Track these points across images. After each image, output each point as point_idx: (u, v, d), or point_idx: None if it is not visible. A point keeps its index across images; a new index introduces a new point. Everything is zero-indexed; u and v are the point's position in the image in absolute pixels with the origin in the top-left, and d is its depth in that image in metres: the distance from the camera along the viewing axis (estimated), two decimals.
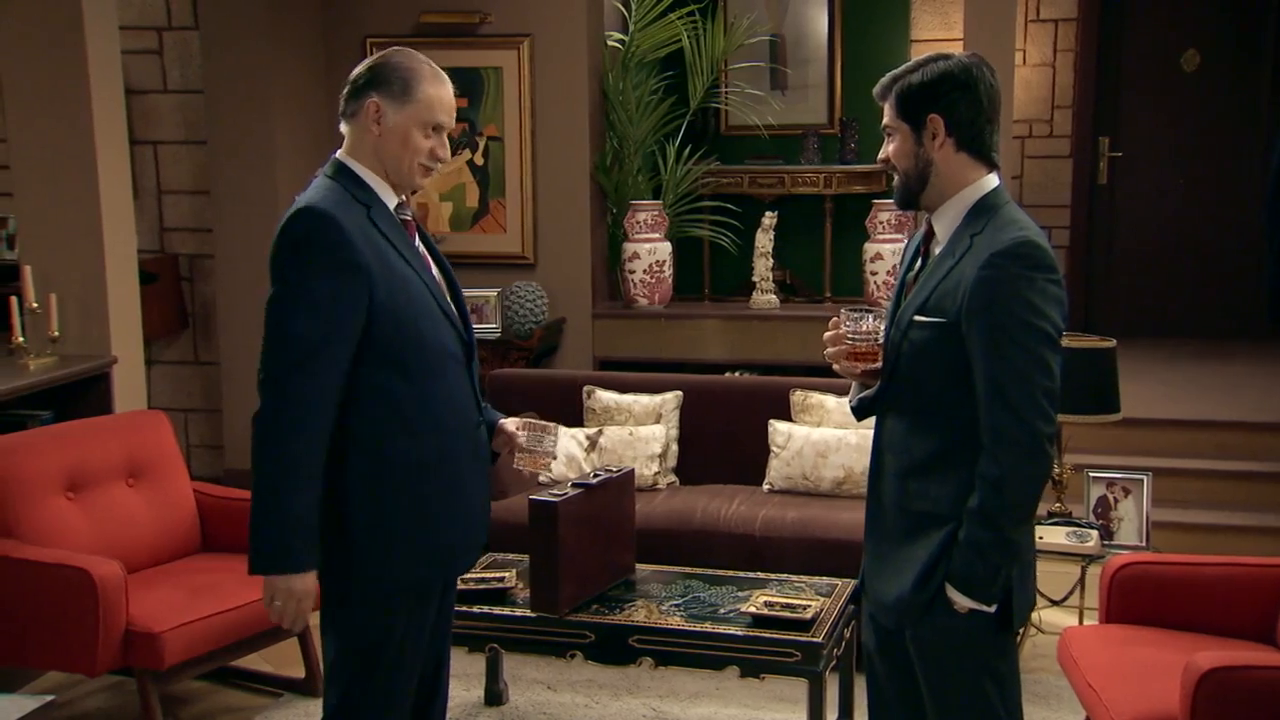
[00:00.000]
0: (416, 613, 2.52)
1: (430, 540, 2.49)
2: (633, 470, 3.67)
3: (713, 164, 6.43)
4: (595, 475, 3.48)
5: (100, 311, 4.53)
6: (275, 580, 2.35)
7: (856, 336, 2.35)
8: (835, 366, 2.42)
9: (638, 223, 5.80)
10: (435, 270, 2.57)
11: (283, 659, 4.12)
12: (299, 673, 4.00)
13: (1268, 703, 2.58)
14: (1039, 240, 2.21)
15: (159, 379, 6.24)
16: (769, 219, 5.82)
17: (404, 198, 2.55)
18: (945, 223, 2.33)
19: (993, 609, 2.24)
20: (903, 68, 2.35)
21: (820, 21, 7.25)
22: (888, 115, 2.35)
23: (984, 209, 2.28)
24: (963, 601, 2.23)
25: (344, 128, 2.53)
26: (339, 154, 2.53)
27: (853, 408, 2.51)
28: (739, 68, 6.75)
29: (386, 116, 2.46)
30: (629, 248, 5.82)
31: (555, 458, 2.71)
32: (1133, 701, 2.88)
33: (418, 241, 2.55)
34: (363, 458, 2.42)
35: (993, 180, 2.32)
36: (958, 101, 2.27)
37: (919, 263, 2.39)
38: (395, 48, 2.56)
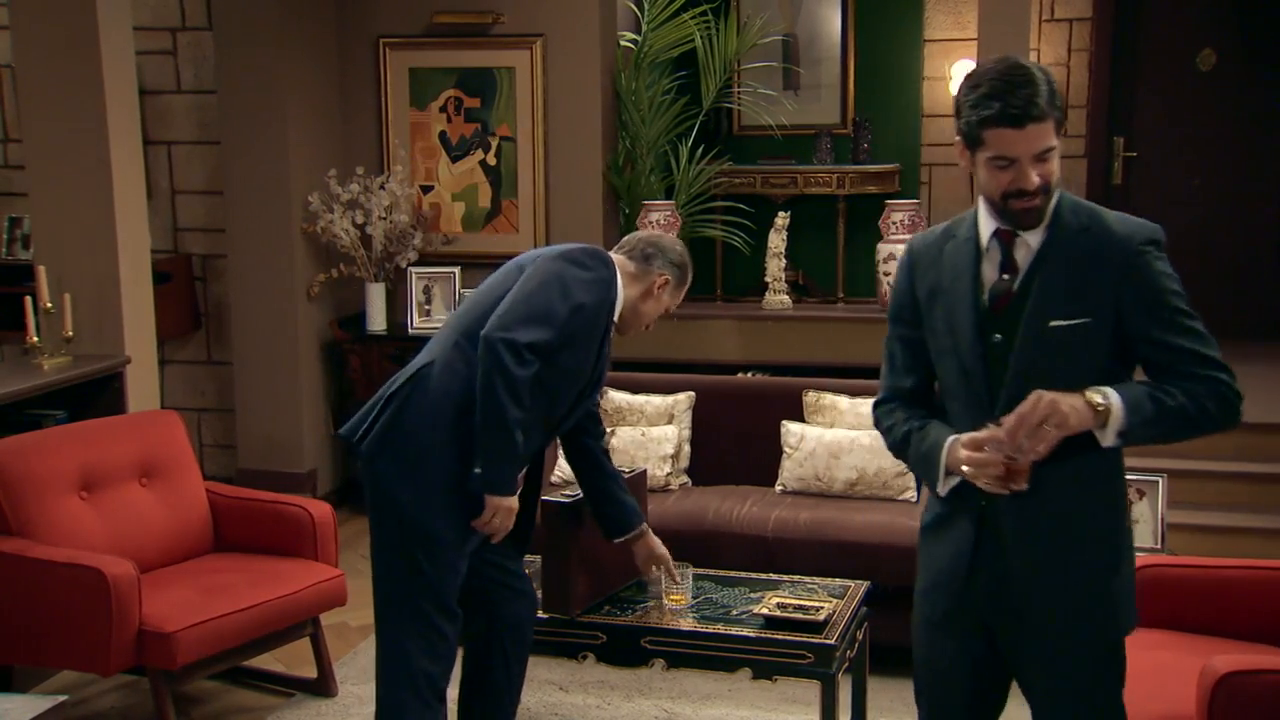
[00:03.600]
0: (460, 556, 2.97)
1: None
2: (645, 470, 3.67)
3: (725, 164, 6.42)
4: None
5: (114, 311, 4.54)
6: (498, 500, 2.89)
7: (1019, 453, 2.18)
8: (979, 482, 2.21)
9: (650, 223, 5.78)
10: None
11: (295, 659, 4.13)
12: (311, 673, 4.00)
13: None
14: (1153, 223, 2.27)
15: (172, 379, 6.26)
16: (781, 219, 5.81)
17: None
18: (1038, 227, 2.25)
19: (1104, 434, 2.17)
20: (1034, 78, 2.15)
21: (833, 21, 7.24)
22: (1049, 135, 2.16)
23: (1071, 207, 2.26)
24: (1116, 416, 2.14)
25: (625, 261, 3.11)
26: (616, 259, 3.10)
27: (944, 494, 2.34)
28: (752, 67, 6.74)
29: (665, 294, 3.14)
30: None
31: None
32: (1148, 705, 2.85)
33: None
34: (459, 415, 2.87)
35: None
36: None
37: (1000, 274, 2.26)
38: (680, 243, 3.21)
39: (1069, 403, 2.13)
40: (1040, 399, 2.13)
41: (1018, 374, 2.23)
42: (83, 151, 4.49)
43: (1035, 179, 2.17)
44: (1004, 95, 2.13)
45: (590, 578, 3.34)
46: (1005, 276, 2.27)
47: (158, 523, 3.92)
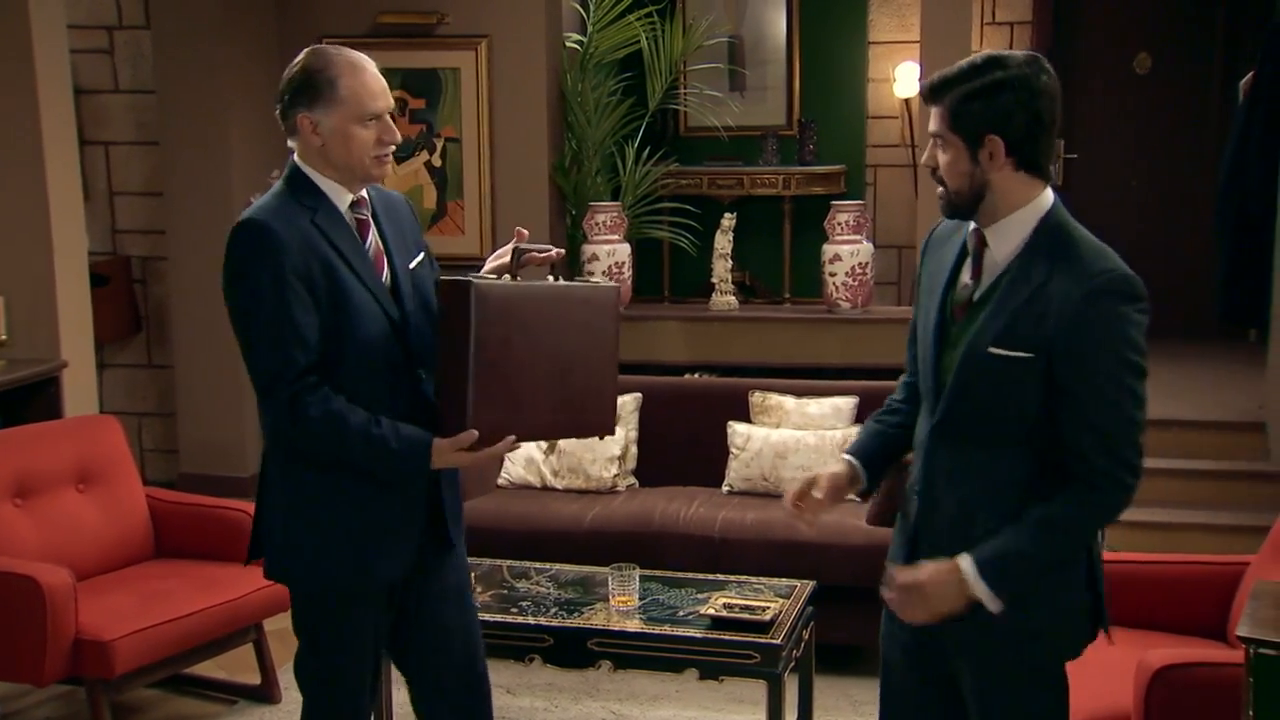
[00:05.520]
0: (354, 613, 2.59)
1: (346, 549, 2.48)
2: (617, 289, 2.69)
3: (672, 165, 6.43)
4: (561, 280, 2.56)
5: (49, 315, 4.47)
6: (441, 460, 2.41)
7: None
8: (790, 505, 2.36)
9: (597, 224, 5.79)
10: (387, 272, 2.51)
11: (237, 666, 4.07)
12: (254, 679, 3.95)
13: (1219, 699, 2.60)
14: (1129, 271, 2.07)
15: (112, 383, 6.16)
16: (728, 220, 5.83)
17: (361, 195, 2.51)
18: (1004, 242, 2.14)
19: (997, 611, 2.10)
20: (956, 70, 2.11)
21: (779, 23, 7.28)
22: (937, 122, 2.12)
23: (1052, 230, 2.12)
24: (976, 586, 2.08)
25: (290, 141, 2.50)
26: (294, 157, 2.50)
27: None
28: (698, 69, 6.75)
29: (321, 125, 2.42)
30: (588, 249, 5.80)
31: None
32: (1087, 700, 2.88)
33: (371, 241, 2.51)
34: (291, 463, 2.48)
35: (1049, 196, 2.15)
36: (1019, 119, 2.07)
37: (968, 279, 2.19)
38: (308, 49, 2.47)
39: (937, 591, 2.10)
40: (915, 581, 2.12)
41: (954, 394, 2.16)
42: (16, 153, 4.42)
43: (925, 157, 2.19)
44: (951, 67, 2.13)
45: (504, 395, 2.40)
46: (969, 283, 2.19)
47: (95, 529, 3.85)
